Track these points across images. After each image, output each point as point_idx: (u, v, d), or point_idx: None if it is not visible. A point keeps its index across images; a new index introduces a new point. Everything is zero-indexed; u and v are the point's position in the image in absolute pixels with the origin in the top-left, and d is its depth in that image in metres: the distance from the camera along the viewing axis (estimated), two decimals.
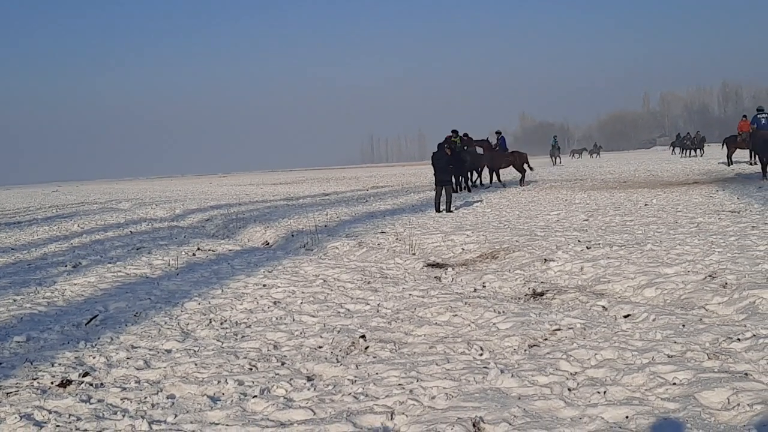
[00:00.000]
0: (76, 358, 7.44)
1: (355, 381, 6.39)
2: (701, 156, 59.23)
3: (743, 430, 4.80)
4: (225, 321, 8.96)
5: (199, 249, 15.69)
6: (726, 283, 8.86)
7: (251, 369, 6.93)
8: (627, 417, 5.14)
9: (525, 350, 7.06)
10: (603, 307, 8.65)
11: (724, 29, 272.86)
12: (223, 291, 10.73)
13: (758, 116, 28.62)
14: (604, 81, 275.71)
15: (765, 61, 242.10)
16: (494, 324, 8.03)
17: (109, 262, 14.27)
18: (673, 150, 74.64)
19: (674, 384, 5.73)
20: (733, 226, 13.44)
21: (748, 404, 5.12)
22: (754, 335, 6.81)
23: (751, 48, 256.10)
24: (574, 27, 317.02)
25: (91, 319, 9.12)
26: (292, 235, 17.69)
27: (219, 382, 6.48)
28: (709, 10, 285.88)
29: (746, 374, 5.79)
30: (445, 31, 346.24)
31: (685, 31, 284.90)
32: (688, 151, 63.69)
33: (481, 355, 6.99)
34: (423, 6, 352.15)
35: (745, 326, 7.22)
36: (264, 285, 11.01)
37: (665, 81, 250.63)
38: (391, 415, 5.50)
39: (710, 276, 9.31)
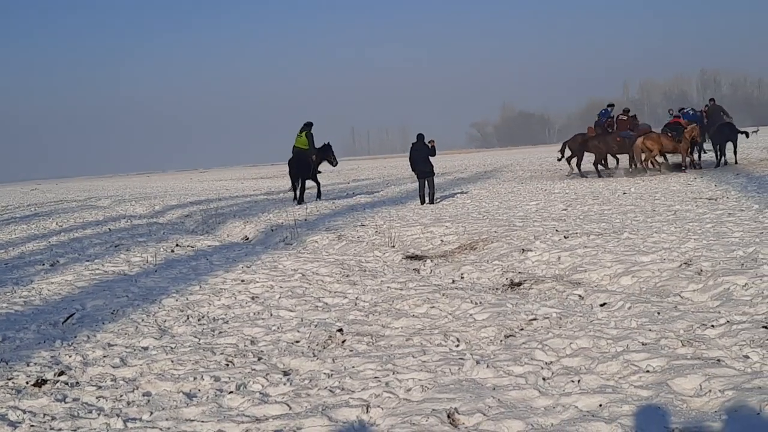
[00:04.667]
0: (52, 357, 7.40)
1: (332, 375, 6.40)
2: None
3: (715, 415, 4.83)
4: (202, 317, 8.93)
5: (177, 245, 15.63)
6: (701, 270, 8.91)
7: (228, 365, 6.92)
8: (600, 405, 5.17)
9: (501, 341, 7.09)
10: (579, 296, 8.69)
11: (703, 17, 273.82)
12: (201, 287, 10.70)
13: (685, 110, 29.37)
14: (585, 70, 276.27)
15: (742, 48, 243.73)
16: (471, 315, 8.05)
17: (87, 260, 14.19)
18: None
19: (648, 371, 5.77)
20: (710, 213, 13.53)
21: (719, 390, 5.16)
22: (728, 321, 6.86)
23: (729, 36, 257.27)
24: (554, 16, 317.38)
25: (68, 318, 9.07)
26: (272, 230, 17.66)
27: (195, 378, 6.47)
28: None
29: (719, 360, 5.83)
30: (426, 21, 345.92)
31: (664, 19, 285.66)
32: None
33: (457, 346, 7.01)
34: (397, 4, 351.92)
35: (719, 313, 7.28)
36: (242, 280, 10.98)
37: (645, 69, 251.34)
38: (367, 408, 5.51)
39: (686, 263, 9.36)
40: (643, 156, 26.38)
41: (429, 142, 21.08)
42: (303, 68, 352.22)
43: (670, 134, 26.40)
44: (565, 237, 12.05)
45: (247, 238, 17.76)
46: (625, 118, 28.52)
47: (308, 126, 24.50)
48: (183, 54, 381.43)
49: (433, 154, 21.06)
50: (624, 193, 19.19)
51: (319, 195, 25.16)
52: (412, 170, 21.50)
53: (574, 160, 28.75)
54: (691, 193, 17.93)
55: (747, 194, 16.54)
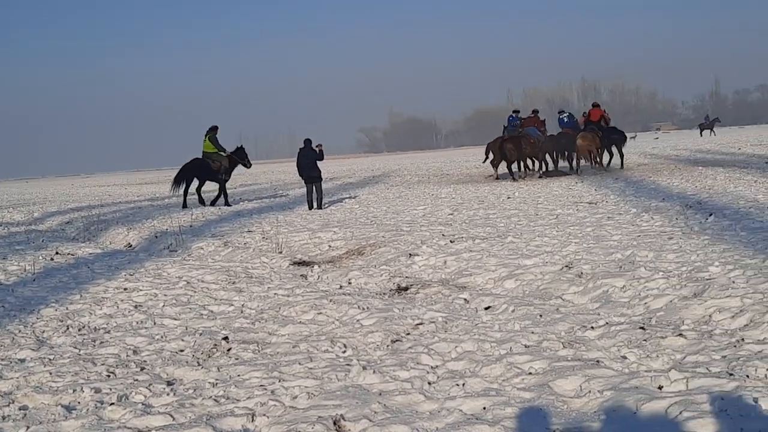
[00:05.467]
0: None
1: (217, 384, 6.28)
2: None
3: (594, 416, 4.95)
4: (83, 327, 8.64)
5: (57, 253, 15.11)
6: (582, 273, 9.16)
7: (109, 376, 6.71)
8: (484, 408, 5.23)
9: (388, 346, 7.10)
10: (465, 299, 8.80)
11: (583, 28, 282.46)
12: (82, 296, 10.37)
13: (560, 117, 30.30)
14: (471, 77, 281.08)
15: (620, 57, 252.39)
16: (358, 320, 8.05)
17: None
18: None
19: (530, 373, 5.88)
20: (590, 217, 13.93)
21: (598, 391, 5.29)
22: (607, 323, 7.07)
23: (608, 45, 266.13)
24: (440, 24, 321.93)
25: None
26: (156, 237, 17.29)
27: (75, 390, 6.24)
28: (568, 9, 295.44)
29: (598, 361, 5.98)
30: (312, 26, 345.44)
31: (546, 29, 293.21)
32: None
33: (344, 352, 6.99)
34: (290, 3, 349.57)
35: (599, 314, 7.50)
36: (125, 288, 10.70)
37: (528, 77, 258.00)
38: (252, 417, 5.43)
39: (567, 266, 9.61)
40: (585, 154, 27.55)
41: (317, 147, 21.07)
42: (189, 73, 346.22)
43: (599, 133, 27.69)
44: (451, 241, 12.20)
45: (131, 246, 17.32)
46: (532, 116, 29.13)
47: (212, 130, 24.50)
48: (53, 55, 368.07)
49: (321, 159, 21.10)
50: (508, 198, 19.58)
51: (226, 200, 24.90)
52: (300, 175, 21.43)
53: (503, 164, 28.97)
54: (573, 197, 18.44)
55: (625, 198, 17.12)
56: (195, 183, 24.92)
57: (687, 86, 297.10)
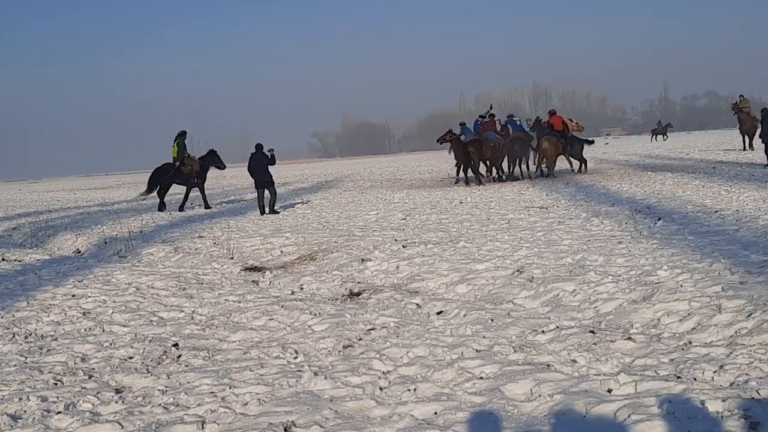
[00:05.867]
0: None
1: (166, 391, 6.20)
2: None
3: (544, 419, 4.98)
4: (30, 334, 8.48)
5: (3, 259, 14.83)
6: (533, 277, 9.22)
7: (56, 384, 6.60)
8: (436, 413, 5.23)
9: (339, 351, 7.08)
10: (417, 304, 8.81)
11: (535, 33, 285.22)
12: (28, 303, 10.17)
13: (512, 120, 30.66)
14: (423, 82, 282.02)
15: (571, 63, 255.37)
16: (310, 326, 8.01)
17: None
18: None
19: (481, 378, 5.90)
20: (541, 222, 14.04)
21: (548, 394, 5.32)
22: (557, 327, 7.13)
23: (559, 51, 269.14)
24: (392, 29, 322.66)
25: None
26: (105, 242, 17.04)
27: (21, 399, 6.12)
28: (520, 14, 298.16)
29: (548, 365, 6.02)
30: (265, 29, 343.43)
31: (498, 34, 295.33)
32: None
33: (295, 358, 6.95)
34: (236, 4, 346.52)
35: (549, 318, 7.56)
36: (73, 295, 10.52)
37: (480, 81, 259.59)
38: (202, 425, 5.37)
39: (518, 271, 9.66)
40: (546, 158, 27.89)
41: (268, 151, 21.03)
42: (137, 76, 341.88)
43: (561, 140, 27.93)
44: (403, 246, 12.20)
45: (79, 251, 17.06)
46: (487, 119, 29.22)
47: (180, 135, 24.74)
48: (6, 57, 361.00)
49: (273, 164, 21.10)
50: (461, 203, 19.66)
51: (205, 203, 25.12)
52: (252, 179, 21.40)
53: (483, 168, 28.94)
54: (524, 202, 18.58)
55: (576, 203, 17.29)
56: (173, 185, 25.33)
57: (636, 92, 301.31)
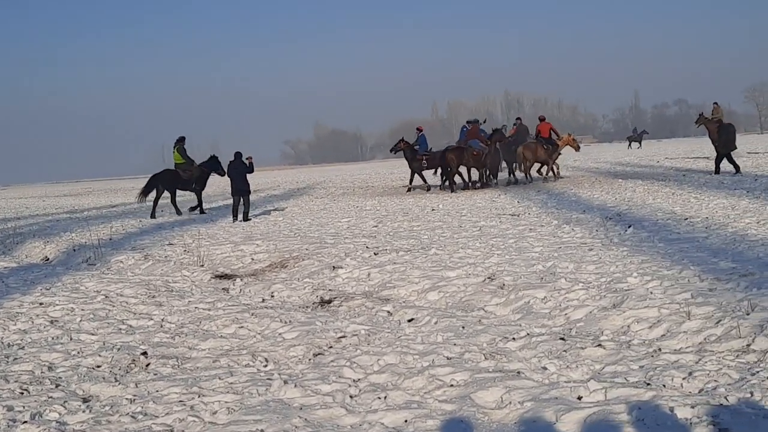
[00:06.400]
0: None
1: (134, 400, 6.13)
2: None
3: (514, 427, 4.97)
4: None
5: None
6: (504, 285, 9.23)
7: (23, 393, 6.50)
8: (406, 421, 5.21)
9: (310, 359, 7.04)
10: (388, 312, 8.79)
11: (506, 41, 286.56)
12: None
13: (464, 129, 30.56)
14: (395, 90, 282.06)
15: (541, 72, 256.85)
16: (280, 334, 7.96)
17: None
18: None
19: (452, 385, 5.89)
20: (513, 229, 14.08)
21: (519, 402, 5.32)
22: (528, 334, 7.14)
23: (531, 60, 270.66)
24: (364, 38, 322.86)
25: None
26: (74, 250, 16.86)
27: None
28: (491, 22, 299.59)
29: (519, 372, 6.02)
30: (236, 38, 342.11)
31: (469, 43, 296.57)
32: None
33: (265, 366, 6.91)
34: (212, 9, 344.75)
35: (520, 326, 7.57)
36: (41, 303, 10.38)
37: (452, 90, 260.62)
38: None
39: (489, 278, 9.68)
40: (523, 164, 28.12)
41: (247, 159, 21.12)
42: (105, 82, 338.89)
43: (545, 146, 28.09)
44: (375, 254, 12.19)
45: (48, 259, 16.87)
46: (469, 127, 29.18)
47: (179, 141, 24.86)
48: None
49: (251, 171, 21.37)
50: (433, 210, 19.67)
51: (200, 208, 25.22)
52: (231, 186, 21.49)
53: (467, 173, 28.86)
54: (496, 209, 18.63)
55: (547, 210, 17.36)
56: (165, 193, 25.17)
57: (607, 100, 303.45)
